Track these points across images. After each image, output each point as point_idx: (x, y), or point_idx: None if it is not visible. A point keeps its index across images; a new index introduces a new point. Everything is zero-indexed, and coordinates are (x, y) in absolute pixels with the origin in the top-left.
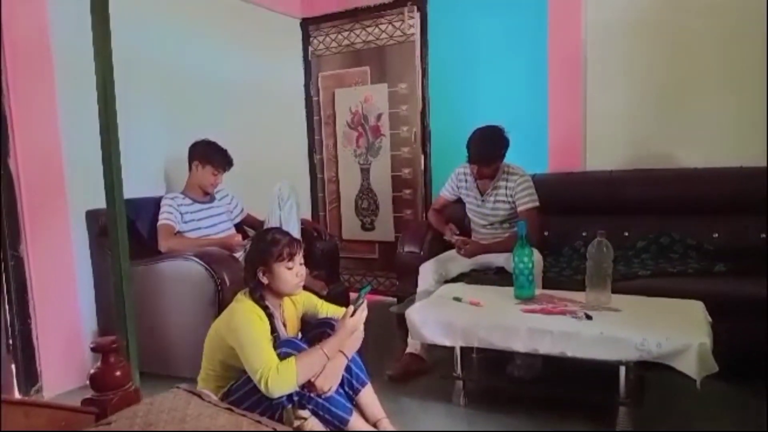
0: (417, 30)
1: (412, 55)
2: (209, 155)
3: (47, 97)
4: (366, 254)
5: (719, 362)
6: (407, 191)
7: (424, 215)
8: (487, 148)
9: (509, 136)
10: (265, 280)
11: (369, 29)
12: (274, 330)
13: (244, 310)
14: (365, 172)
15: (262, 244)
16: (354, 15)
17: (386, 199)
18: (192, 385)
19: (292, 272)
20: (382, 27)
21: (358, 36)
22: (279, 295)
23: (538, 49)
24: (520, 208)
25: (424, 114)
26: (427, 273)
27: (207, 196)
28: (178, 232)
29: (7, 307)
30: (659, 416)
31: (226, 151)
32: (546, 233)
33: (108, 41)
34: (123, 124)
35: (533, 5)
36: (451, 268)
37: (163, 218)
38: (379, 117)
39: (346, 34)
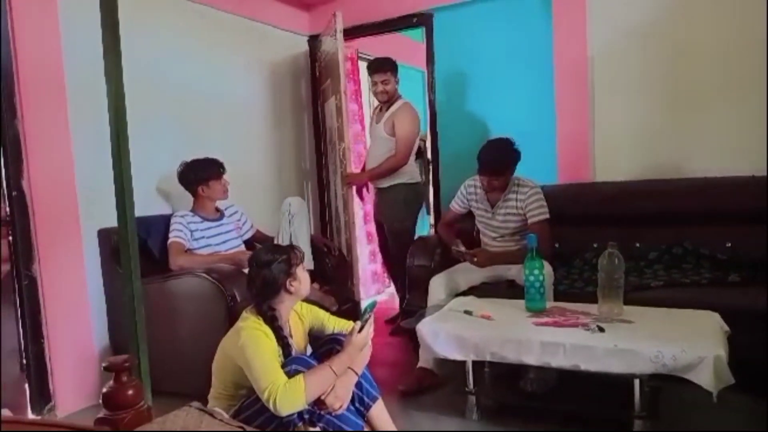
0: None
1: None
2: (206, 174)
3: (60, 118)
4: None
5: (735, 374)
6: None
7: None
8: (498, 159)
9: (520, 150)
10: (292, 289)
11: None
12: (288, 345)
13: (249, 328)
14: None
15: (276, 256)
16: (359, 31)
17: None
18: (204, 402)
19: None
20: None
21: None
22: (294, 302)
23: (544, 62)
24: (530, 221)
25: (433, 127)
26: (437, 286)
27: (217, 213)
28: (189, 249)
29: (20, 326)
30: (676, 429)
31: (211, 159)
32: (557, 245)
33: (119, 63)
34: (133, 142)
35: (538, 19)
36: (462, 281)
37: (173, 236)
38: None
39: None
